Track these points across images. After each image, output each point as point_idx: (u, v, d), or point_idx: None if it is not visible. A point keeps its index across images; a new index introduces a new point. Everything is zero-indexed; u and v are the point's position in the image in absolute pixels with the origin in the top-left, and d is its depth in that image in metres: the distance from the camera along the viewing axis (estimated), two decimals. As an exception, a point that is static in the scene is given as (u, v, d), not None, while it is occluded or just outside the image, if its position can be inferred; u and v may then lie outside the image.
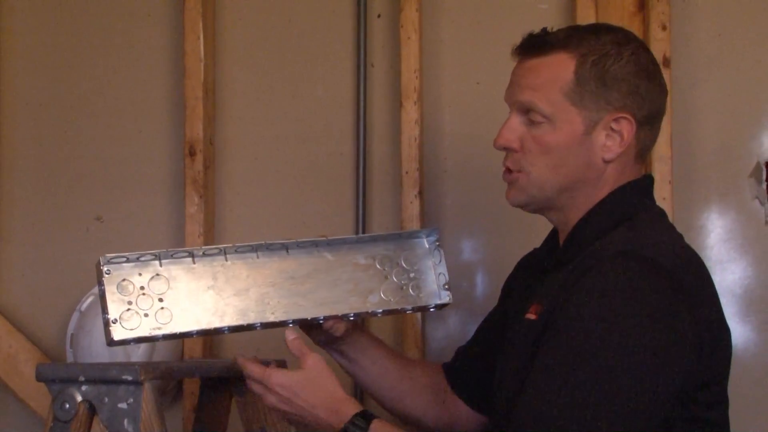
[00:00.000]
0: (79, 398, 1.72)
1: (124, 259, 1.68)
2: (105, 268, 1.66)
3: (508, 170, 1.68)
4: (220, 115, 2.55)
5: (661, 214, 1.69)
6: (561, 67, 1.63)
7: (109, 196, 2.59)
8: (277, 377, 1.66)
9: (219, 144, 2.55)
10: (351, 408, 1.62)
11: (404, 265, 1.83)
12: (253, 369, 1.68)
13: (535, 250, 1.84)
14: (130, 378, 1.68)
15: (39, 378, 1.75)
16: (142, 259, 1.69)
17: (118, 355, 2.34)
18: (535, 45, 1.66)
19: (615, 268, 1.49)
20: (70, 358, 2.48)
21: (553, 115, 1.63)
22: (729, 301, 2.32)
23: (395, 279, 1.83)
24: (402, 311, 1.83)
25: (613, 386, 1.42)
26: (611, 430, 1.41)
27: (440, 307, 1.85)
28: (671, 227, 1.69)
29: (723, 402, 1.60)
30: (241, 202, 2.55)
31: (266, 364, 1.70)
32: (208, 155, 2.50)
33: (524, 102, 1.65)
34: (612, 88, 1.62)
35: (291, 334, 1.70)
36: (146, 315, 1.66)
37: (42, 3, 2.65)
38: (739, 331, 2.31)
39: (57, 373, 1.74)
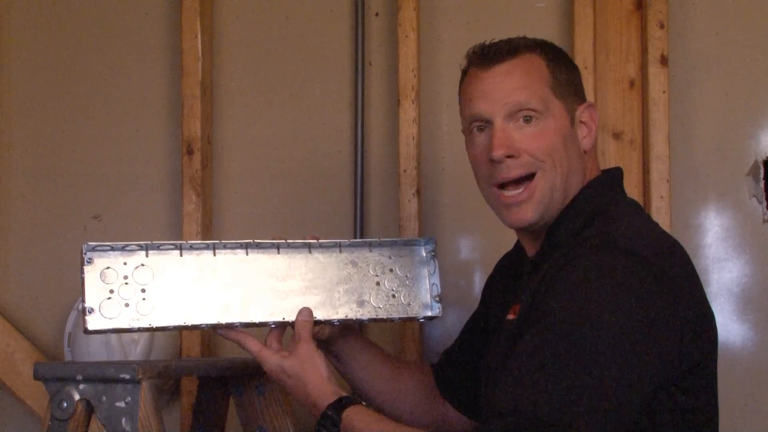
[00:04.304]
0: (77, 397, 1.71)
1: (109, 247, 1.66)
2: (87, 256, 1.64)
3: (517, 183, 1.62)
4: (218, 114, 2.55)
5: (635, 205, 1.70)
6: (536, 64, 1.65)
7: (107, 195, 2.59)
8: (269, 362, 1.68)
9: (217, 143, 2.55)
10: (327, 398, 1.62)
11: (398, 272, 1.81)
12: (251, 347, 1.69)
13: (510, 252, 1.84)
14: (127, 377, 1.68)
15: (37, 377, 1.75)
16: (128, 248, 1.67)
17: (116, 353, 2.34)
18: (503, 50, 1.65)
19: (594, 258, 1.50)
20: (67, 357, 2.48)
21: (546, 111, 1.63)
22: (726, 300, 2.32)
23: (387, 285, 1.80)
24: (389, 320, 1.81)
25: (593, 373, 1.41)
26: (590, 416, 1.40)
27: (429, 319, 1.83)
28: (648, 217, 1.70)
29: (709, 389, 1.58)
30: (239, 201, 2.55)
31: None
32: (206, 154, 2.50)
33: (519, 102, 1.62)
34: (574, 80, 1.68)
35: (303, 315, 1.71)
36: (127, 305, 1.65)
37: (40, 2, 2.65)
38: (737, 330, 2.32)
39: (55, 371, 1.74)
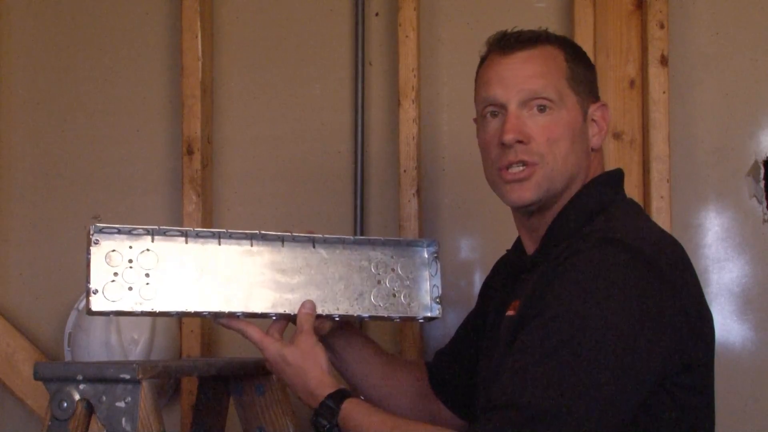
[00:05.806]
0: (77, 397, 1.71)
1: (116, 230, 1.67)
2: (94, 238, 1.65)
3: (521, 164, 1.63)
4: (218, 114, 2.55)
5: (635, 205, 1.71)
6: (555, 56, 1.67)
7: (107, 195, 2.59)
8: (270, 350, 1.70)
9: (217, 143, 2.55)
10: (327, 388, 1.64)
11: (399, 272, 1.82)
12: (252, 335, 1.71)
13: (508, 252, 1.84)
14: (128, 377, 1.68)
15: (37, 377, 1.75)
16: (134, 232, 1.68)
17: (116, 353, 2.34)
18: (523, 38, 1.67)
19: (596, 254, 1.50)
20: (68, 357, 2.48)
21: (560, 102, 1.64)
22: (727, 300, 2.32)
23: (388, 285, 1.82)
24: (389, 319, 1.83)
25: (592, 366, 1.42)
26: (588, 409, 1.40)
27: (429, 320, 1.84)
28: (647, 216, 1.71)
29: (707, 388, 1.59)
30: (239, 201, 2.55)
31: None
32: (206, 154, 2.50)
33: (534, 90, 1.63)
34: (590, 77, 1.70)
35: (306, 308, 1.73)
36: (130, 288, 1.66)
37: (40, 2, 2.65)
38: (737, 330, 2.32)
39: (55, 371, 1.74)
